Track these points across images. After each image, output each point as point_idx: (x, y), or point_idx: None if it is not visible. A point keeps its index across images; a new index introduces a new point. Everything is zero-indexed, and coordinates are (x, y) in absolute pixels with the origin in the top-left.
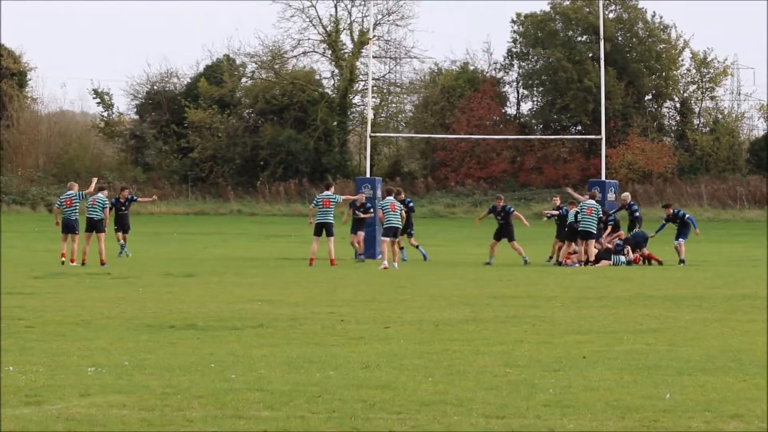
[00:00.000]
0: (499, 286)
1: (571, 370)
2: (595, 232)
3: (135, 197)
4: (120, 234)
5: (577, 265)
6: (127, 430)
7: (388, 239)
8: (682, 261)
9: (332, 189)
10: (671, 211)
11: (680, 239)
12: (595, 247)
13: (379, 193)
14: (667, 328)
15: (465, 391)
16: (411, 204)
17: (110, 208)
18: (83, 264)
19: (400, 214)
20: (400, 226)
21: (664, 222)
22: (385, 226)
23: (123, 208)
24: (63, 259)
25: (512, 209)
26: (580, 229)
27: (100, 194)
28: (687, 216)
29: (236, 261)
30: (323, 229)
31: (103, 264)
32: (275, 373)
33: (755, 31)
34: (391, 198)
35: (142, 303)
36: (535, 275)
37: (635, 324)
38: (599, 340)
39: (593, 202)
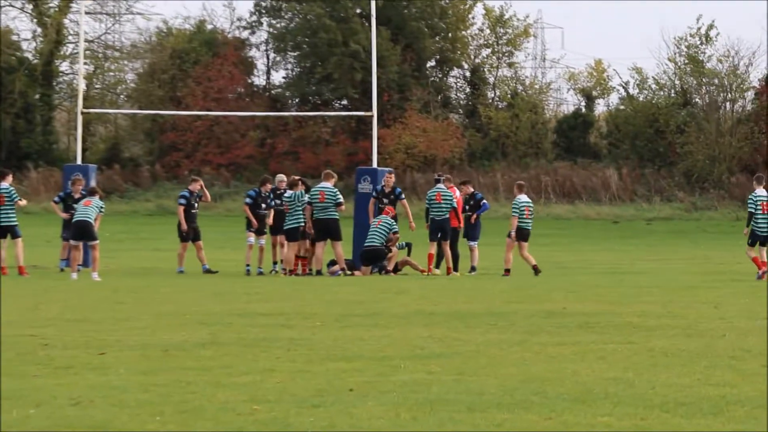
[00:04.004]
0: (245, 301)
1: (333, 406)
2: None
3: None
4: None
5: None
6: None
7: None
8: (473, 268)
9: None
10: (470, 189)
11: (471, 241)
12: None
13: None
14: (455, 353)
15: None
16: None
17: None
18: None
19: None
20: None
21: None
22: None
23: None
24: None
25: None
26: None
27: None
28: (484, 201)
29: None
30: (7, 232)
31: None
32: None
33: None
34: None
35: None
36: (289, 288)
37: (414, 348)
38: (370, 368)
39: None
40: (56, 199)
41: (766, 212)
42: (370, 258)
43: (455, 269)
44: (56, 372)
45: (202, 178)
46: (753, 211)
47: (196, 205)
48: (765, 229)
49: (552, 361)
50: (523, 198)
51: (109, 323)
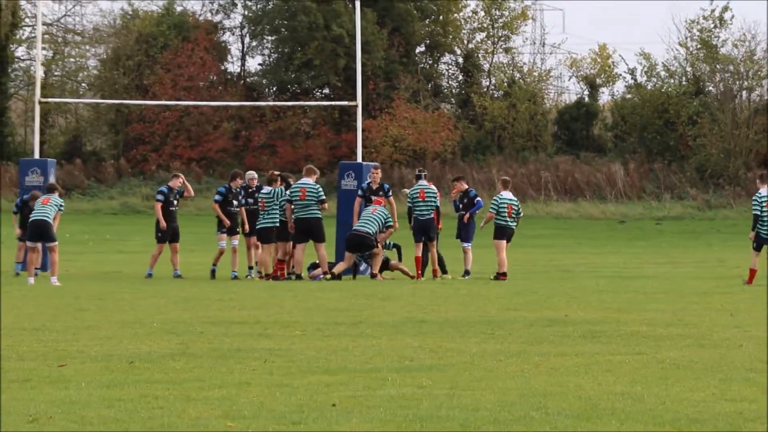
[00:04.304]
0: (218, 308)
1: (315, 423)
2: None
3: None
4: None
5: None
6: None
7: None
8: (467, 272)
9: None
10: (464, 186)
11: (465, 242)
12: None
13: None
14: (447, 364)
15: None
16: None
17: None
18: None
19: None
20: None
21: (456, 202)
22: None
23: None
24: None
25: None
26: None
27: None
28: (478, 199)
29: None
30: None
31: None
32: None
33: None
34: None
35: None
36: (266, 294)
37: (403, 359)
38: (354, 381)
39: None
40: (14, 209)
41: None
42: (357, 244)
43: (444, 271)
44: (11, 386)
45: (171, 174)
46: (758, 213)
47: (175, 202)
48: None
49: (553, 374)
50: (506, 195)
51: (70, 332)
